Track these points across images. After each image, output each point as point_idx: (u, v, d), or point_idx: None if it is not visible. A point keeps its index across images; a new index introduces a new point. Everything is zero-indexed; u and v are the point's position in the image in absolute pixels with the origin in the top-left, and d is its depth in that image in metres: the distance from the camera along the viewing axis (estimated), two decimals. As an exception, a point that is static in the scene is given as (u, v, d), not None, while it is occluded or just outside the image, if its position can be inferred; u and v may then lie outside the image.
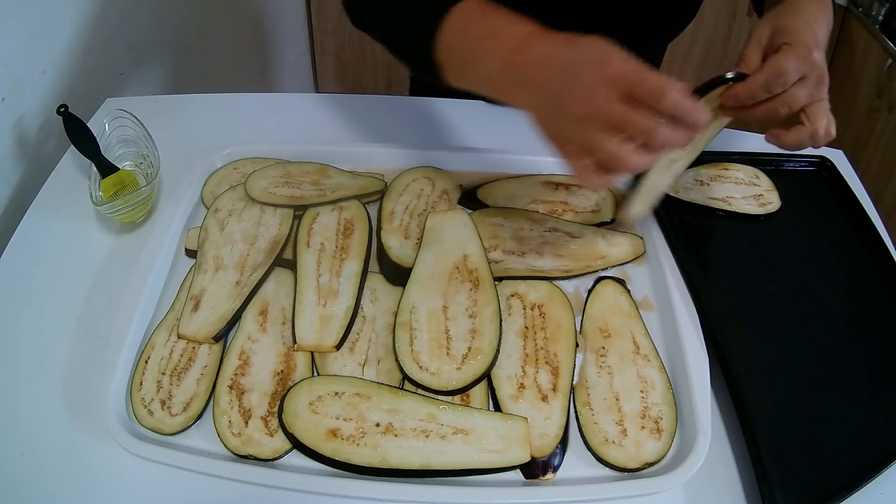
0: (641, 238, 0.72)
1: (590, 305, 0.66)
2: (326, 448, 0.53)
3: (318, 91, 2.13)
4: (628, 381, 0.60)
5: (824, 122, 0.56)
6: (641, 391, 0.59)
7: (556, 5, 0.80)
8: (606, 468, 0.56)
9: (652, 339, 0.63)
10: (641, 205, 0.68)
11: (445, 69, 0.57)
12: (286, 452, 0.55)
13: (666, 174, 0.67)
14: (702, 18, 0.86)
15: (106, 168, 0.75)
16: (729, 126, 0.90)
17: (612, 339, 0.63)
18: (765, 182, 0.80)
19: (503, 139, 0.82)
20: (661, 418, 0.58)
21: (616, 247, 0.71)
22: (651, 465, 0.55)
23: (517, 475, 0.55)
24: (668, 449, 0.56)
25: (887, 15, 1.59)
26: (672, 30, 0.90)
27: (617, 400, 0.59)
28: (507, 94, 0.54)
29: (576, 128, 0.49)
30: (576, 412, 0.58)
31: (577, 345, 0.62)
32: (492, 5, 0.56)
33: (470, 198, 0.75)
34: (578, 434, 0.57)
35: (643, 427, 0.57)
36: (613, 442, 0.56)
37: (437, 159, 0.78)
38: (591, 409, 0.58)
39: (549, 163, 0.78)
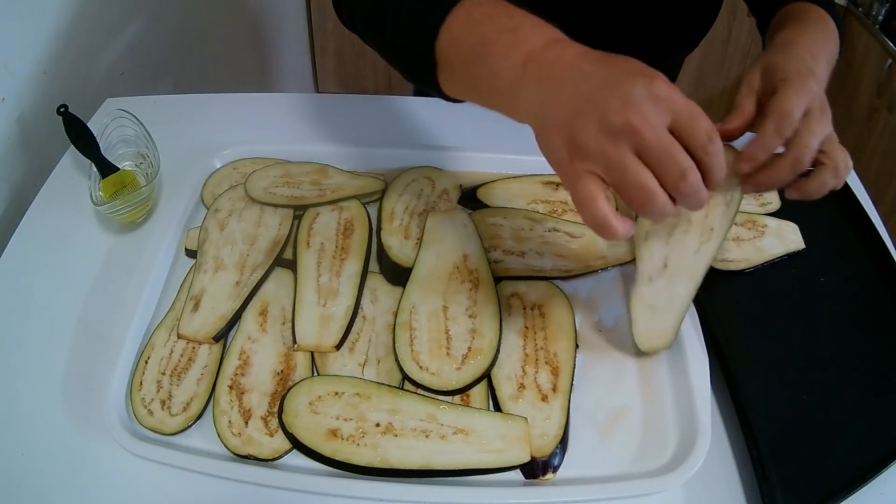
0: None
1: None
2: (326, 448, 0.53)
3: (318, 91, 2.13)
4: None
5: (842, 155, 0.51)
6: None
7: (572, 21, 0.80)
8: (608, 469, 0.56)
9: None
10: (663, 326, 0.59)
11: (443, 67, 0.51)
12: (286, 452, 0.55)
13: (687, 280, 0.58)
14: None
15: (106, 168, 0.75)
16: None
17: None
18: (765, 182, 0.80)
19: (503, 139, 0.82)
20: None
21: (616, 247, 0.71)
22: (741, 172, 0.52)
23: (517, 475, 0.55)
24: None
25: (887, 15, 1.59)
26: (687, 44, 0.89)
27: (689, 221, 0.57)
28: (517, 97, 0.46)
29: (608, 140, 0.41)
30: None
31: (576, 345, 0.62)
32: (511, 4, 0.49)
33: (470, 198, 0.75)
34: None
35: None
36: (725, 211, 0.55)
37: (437, 159, 0.78)
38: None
39: (549, 163, 0.78)
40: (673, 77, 0.98)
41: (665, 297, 0.59)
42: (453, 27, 0.49)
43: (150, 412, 0.57)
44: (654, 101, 0.41)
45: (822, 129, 0.50)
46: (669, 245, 0.59)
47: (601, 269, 0.69)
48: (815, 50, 0.56)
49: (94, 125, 0.78)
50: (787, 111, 0.49)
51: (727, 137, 0.53)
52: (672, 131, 0.42)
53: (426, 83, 0.53)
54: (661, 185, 0.41)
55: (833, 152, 0.51)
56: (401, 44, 0.53)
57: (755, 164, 0.51)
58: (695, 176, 0.41)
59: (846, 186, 0.80)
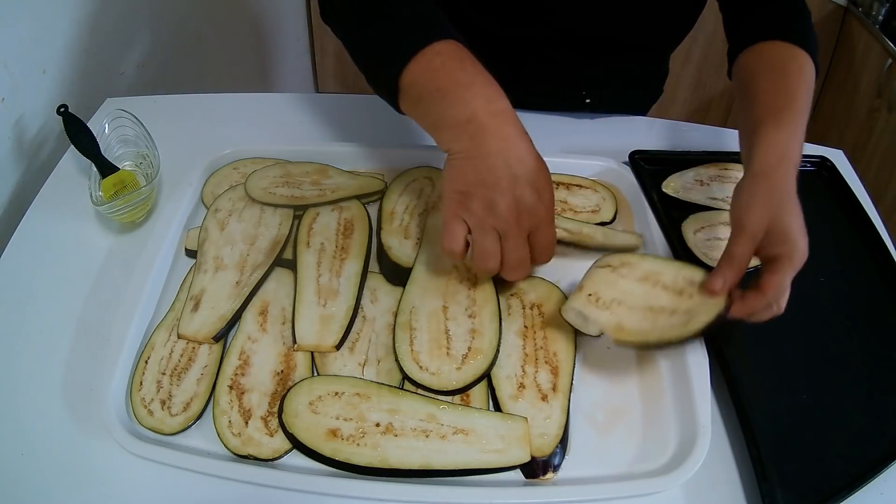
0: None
1: None
2: (326, 448, 0.53)
3: (318, 91, 2.13)
4: (636, 290, 0.60)
5: (785, 298, 0.57)
6: (653, 287, 0.60)
7: (560, 19, 0.81)
8: (608, 469, 0.56)
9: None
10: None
11: (403, 97, 0.58)
12: (286, 452, 0.55)
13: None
14: (702, 19, 0.86)
15: (106, 168, 0.75)
16: (727, 127, 0.91)
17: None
18: (765, 182, 0.80)
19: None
20: None
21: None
22: (728, 304, 0.56)
23: (517, 475, 0.55)
24: None
25: (887, 15, 1.59)
26: (670, 41, 0.91)
27: (650, 308, 0.59)
28: (452, 141, 0.55)
29: (489, 215, 0.54)
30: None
31: (576, 345, 0.62)
32: (465, 55, 0.56)
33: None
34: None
35: (693, 296, 0.58)
36: (686, 323, 0.57)
37: (438, 159, 0.78)
38: (645, 330, 0.58)
39: (549, 163, 0.78)
40: (662, 72, 0.99)
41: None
42: (415, 70, 0.56)
43: (150, 412, 0.57)
44: (530, 215, 0.54)
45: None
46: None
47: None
48: (794, 147, 0.60)
49: (94, 125, 0.78)
50: (782, 289, 0.55)
51: (729, 288, 0.57)
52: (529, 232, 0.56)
53: (385, 100, 0.61)
54: (501, 257, 0.56)
55: (782, 300, 0.57)
56: (372, 70, 0.61)
57: (743, 314, 0.57)
58: (522, 271, 0.58)
59: (846, 186, 0.81)
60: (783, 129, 0.60)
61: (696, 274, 0.60)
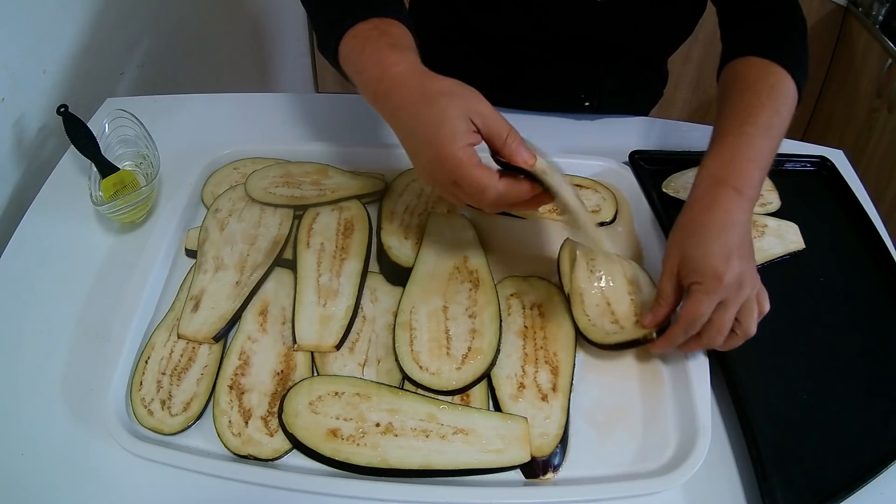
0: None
1: None
2: (326, 448, 0.53)
3: (318, 91, 2.13)
4: (617, 285, 0.64)
5: (750, 320, 0.56)
6: (630, 294, 0.63)
7: (558, 24, 0.81)
8: (608, 469, 0.56)
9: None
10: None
11: (344, 68, 0.60)
12: (286, 452, 0.55)
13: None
14: (702, 19, 0.86)
15: (106, 168, 0.75)
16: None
17: None
18: (765, 182, 0.80)
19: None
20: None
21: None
22: (645, 338, 0.60)
23: (517, 475, 0.55)
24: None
25: (887, 15, 1.59)
26: (669, 46, 0.91)
27: (609, 304, 0.63)
28: (381, 114, 0.57)
29: (438, 185, 0.55)
30: (573, 319, 0.62)
31: (576, 345, 0.62)
32: (377, 32, 0.58)
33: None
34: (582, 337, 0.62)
35: (636, 322, 0.61)
36: (614, 333, 0.61)
37: (437, 159, 0.78)
38: (587, 316, 0.62)
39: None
40: (661, 76, 0.99)
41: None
42: (347, 39, 0.58)
43: (150, 412, 0.57)
44: (438, 168, 0.52)
45: (731, 315, 0.55)
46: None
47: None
48: (737, 172, 0.59)
49: (94, 125, 0.78)
50: (696, 317, 0.55)
51: (657, 324, 0.59)
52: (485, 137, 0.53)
53: (333, 66, 0.62)
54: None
55: (744, 321, 0.56)
56: (321, 36, 0.63)
57: (664, 348, 0.59)
58: (490, 194, 0.53)
59: (846, 186, 0.80)
60: (725, 151, 0.60)
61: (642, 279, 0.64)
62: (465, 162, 0.51)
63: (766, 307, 0.57)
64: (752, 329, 0.57)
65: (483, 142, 0.54)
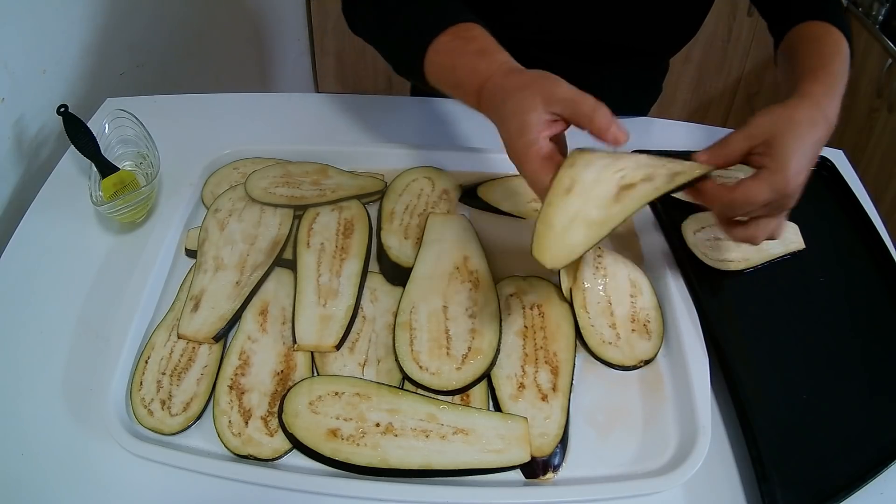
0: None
1: None
2: (326, 448, 0.53)
3: (318, 91, 2.13)
4: (620, 284, 0.65)
5: (763, 236, 0.57)
6: (631, 296, 0.64)
7: (561, 24, 0.81)
8: (608, 469, 0.56)
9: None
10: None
11: (429, 78, 0.62)
12: (286, 452, 0.55)
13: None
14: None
15: (106, 168, 0.75)
16: (727, 126, 0.91)
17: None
18: (765, 182, 0.80)
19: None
20: (649, 321, 0.64)
21: None
22: (646, 362, 0.61)
23: (517, 475, 0.55)
24: (658, 349, 0.62)
25: (887, 15, 1.59)
26: (673, 47, 0.91)
27: (609, 304, 0.63)
28: (479, 109, 0.59)
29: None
30: (574, 315, 0.63)
31: (576, 345, 0.62)
32: (463, 41, 0.59)
33: (470, 196, 0.75)
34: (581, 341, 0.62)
35: (633, 330, 0.63)
36: (610, 343, 0.62)
37: (437, 159, 0.78)
38: (588, 313, 0.63)
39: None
40: (661, 71, 0.98)
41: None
42: (431, 55, 0.60)
43: (150, 412, 0.57)
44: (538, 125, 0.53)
45: (775, 224, 0.57)
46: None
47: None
48: (828, 102, 0.60)
49: (94, 125, 0.78)
50: (751, 200, 0.54)
51: (710, 163, 0.57)
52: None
53: (417, 83, 0.65)
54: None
55: (759, 228, 0.57)
56: (399, 59, 0.66)
57: (696, 198, 0.58)
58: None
59: (846, 186, 0.80)
60: (818, 83, 0.61)
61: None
62: (523, 155, 0.53)
63: (780, 235, 0.59)
64: (759, 239, 0.58)
65: (568, 126, 0.54)
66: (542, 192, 0.52)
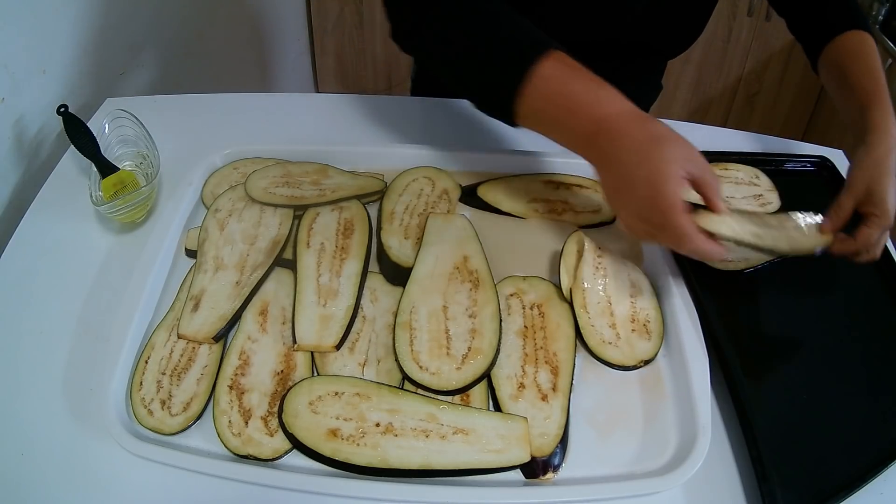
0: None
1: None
2: (326, 448, 0.53)
3: (318, 91, 2.13)
4: (620, 284, 0.65)
5: (879, 253, 0.67)
6: (631, 296, 0.65)
7: (564, 25, 0.81)
8: (608, 469, 0.56)
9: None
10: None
11: (523, 121, 0.60)
12: (286, 452, 0.55)
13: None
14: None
15: (106, 168, 0.75)
16: (727, 126, 0.91)
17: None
18: (765, 182, 0.80)
19: (503, 139, 0.82)
20: (649, 321, 0.64)
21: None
22: (646, 362, 0.61)
23: (517, 475, 0.55)
24: (658, 349, 0.62)
25: (887, 15, 1.59)
26: (675, 49, 0.91)
27: (609, 304, 0.64)
28: (586, 153, 0.58)
29: (640, 225, 0.57)
30: (574, 315, 0.63)
31: (576, 344, 0.62)
32: (571, 69, 0.57)
33: (470, 196, 0.75)
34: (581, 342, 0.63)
35: (633, 330, 0.63)
36: (610, 343, 0.62)
37: (437, 159, 0.78)
38: (588, 313, 0.63)
39: (550, 163, 0.78)
40: (658, 76, 0.98)
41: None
42: (529, 101, 0.57)
43: (150, 412, 0.57)
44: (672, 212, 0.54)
45: (881, 241, 0.67)
46: None
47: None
48: (893, 123, 0.68)
49: (93, 125, 0.78)
50: (871, 240, 0.65)
51: (835, 230, 0.65)
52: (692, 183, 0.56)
53: (489, 108, 0.63)
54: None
55: (876, 248, 0.67)
56: (482, 98, 0.64)
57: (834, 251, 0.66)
58: (690, 244, 0.55)
59: (846, 186, 0.80)
60: (881, 109, 0.69)
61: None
62: (677, 207, 0.54)
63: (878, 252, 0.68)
64: (877, 254, 0.67)
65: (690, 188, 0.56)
66: (692, 250, 0.55)
